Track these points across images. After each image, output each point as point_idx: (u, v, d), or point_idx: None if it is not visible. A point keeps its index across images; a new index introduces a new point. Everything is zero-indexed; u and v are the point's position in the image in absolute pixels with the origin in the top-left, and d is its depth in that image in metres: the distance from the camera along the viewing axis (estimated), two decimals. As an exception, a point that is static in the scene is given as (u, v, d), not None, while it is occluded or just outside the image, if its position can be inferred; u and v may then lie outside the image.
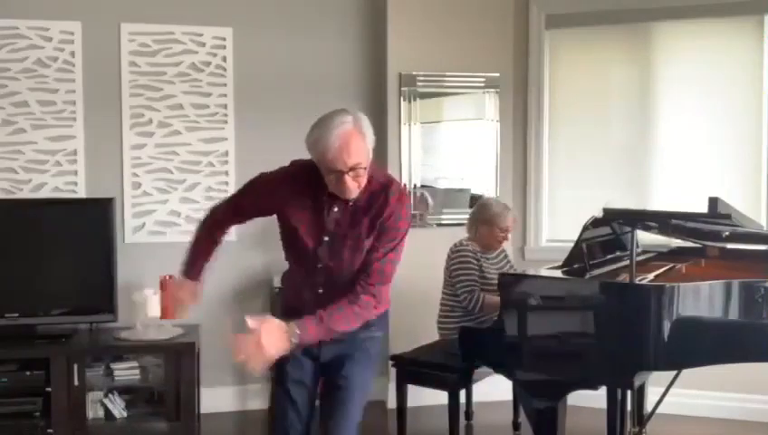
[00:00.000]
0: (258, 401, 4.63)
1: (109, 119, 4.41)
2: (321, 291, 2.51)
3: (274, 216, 2.56)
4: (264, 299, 4.56)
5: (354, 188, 2.38)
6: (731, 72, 4.45)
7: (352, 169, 2.33)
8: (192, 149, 4.52)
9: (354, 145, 2.32)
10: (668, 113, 4.58)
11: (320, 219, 2.46)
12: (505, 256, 4.07)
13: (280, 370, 2.56)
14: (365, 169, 2.37)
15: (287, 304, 2.67)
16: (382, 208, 2.44)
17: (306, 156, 2.44)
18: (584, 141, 4.74)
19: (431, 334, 3.94)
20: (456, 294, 3.78)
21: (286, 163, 2.57)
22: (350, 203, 2.45)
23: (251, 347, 2.23)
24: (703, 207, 2.88)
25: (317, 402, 2.64)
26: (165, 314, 3.91)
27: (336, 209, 2.45)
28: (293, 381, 2.57)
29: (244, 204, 2.62)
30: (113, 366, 4.07)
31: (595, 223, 3.25)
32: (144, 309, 4.04)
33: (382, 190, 2.46)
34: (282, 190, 2.50)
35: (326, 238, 2.46)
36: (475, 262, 3.80)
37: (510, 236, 4.01)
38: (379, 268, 2.45)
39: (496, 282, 3.69)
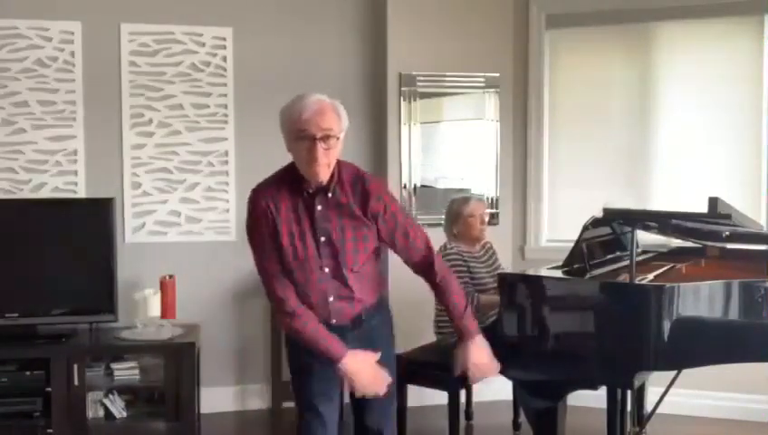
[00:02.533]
0: (258, 401, 4.63)
1: (109, 119, 4.41)
2: (331, 299, 2.51)
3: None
4: (264, 299, 4.53)
5: (324, 164, 2.38)
6: (731, 72, 4.45)
7: (325, 138, 2.36)
8: (192, 149, 4.52)
9: (329, 114, 2.39)
10: (668, 113, 4.57)
11: (308, 221, 2.46)
12: (493, 253, 4.02)
13: (306, 390, 2.54)
14: (337, 139, 2.40)
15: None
16: (366, 193, 2.48)
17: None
18: (584, 141, 4.73)
19: (431, 334, 3.93)
20: None
21: (284, 162, 2.55)
22: (330, 194, 2.46)
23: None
24: (703, 207, 2.88)
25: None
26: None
27: (320, 208, 2.46)
28: (322, 400, 2.52)
29: (269, 253, 2.49)
30: (113, 366, 4.07)
31: (595, 223, 3.25)
32: (144, 309, 4.04)
33: (357, 178, 2.50)
34: (267, 212, 2.46)
35: (323, 239, 2.46)
36: (463, 263, 3.76)
37: (485, 227, 3.93)
38: (421, 243, 2.59)
39: (486, 280, 3.76)
